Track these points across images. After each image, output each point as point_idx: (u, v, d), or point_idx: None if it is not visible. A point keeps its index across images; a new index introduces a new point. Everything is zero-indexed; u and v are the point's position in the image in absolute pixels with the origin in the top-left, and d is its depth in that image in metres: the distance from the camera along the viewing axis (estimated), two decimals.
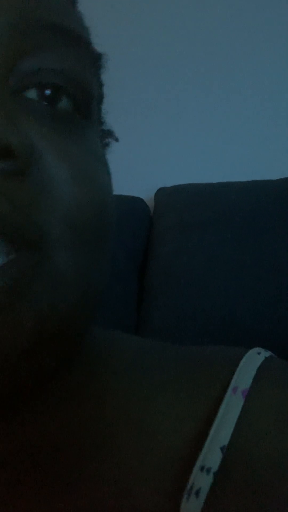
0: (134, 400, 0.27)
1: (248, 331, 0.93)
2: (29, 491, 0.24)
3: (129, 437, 0.25)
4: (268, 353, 0.29)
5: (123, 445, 0.25)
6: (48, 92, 0.24)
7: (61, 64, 0.24)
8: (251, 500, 0.23)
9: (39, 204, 0.21)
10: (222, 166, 1.19)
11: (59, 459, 0.25)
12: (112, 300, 0.99)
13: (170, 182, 1.10)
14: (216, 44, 1.21)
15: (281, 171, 1.08)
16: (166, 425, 0.25)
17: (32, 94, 0.24)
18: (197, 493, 0.23)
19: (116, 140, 0.33)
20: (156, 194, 1.11)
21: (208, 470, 0.23)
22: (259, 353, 0.28)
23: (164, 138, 1.21)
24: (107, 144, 0.33)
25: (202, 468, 0.23)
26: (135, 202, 1.10)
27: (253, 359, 0.27)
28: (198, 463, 0.24)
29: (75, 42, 0.25)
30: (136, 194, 1.11)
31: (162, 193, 1.10)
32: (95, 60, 0.28)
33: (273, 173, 1.06)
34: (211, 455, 0.24)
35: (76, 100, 0.25)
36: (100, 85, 0.30)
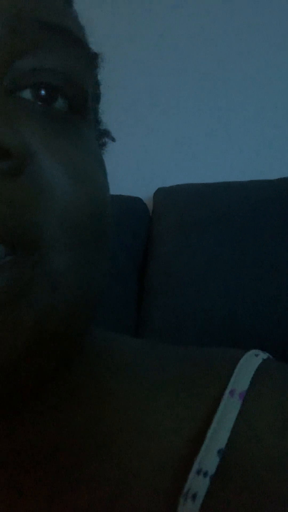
0: (134, 401, 0.27)
1: (248, 331, 0.93)
2: (29, 491, 0.24)
3: (129, 437, 0.25)
4: (266, 355, 0.29)
5: (122, 446, 0.25)
6: (43, 92, 0.24)
7: (56, 64, 0.24)
8: (249, 503, 0.23)
9: (36, 204, 0.21)
10: (221, 166, 1.19)
11: (59, 459, 0.25)
12: (112, 300, 0.99)
13: (169, 182, 1.10)
14: (216, 44, 1.21)
15: (281, 171, 1.08)
16: (166, 426, 0.25)
17: (27, 94, 0.24)
18: (194, 497, 0.23)
19: (113, 140, 0.33)
20: (155, 194, 1.11)
21: (205, 474, 0.23)
22: (256, 355, 0.28)
23: (163, 138, 1.21)
24: (104, 144, 0.33)
25: (198, 472, 0.23)
26: (134, 202, 1.10)
27: (250, 361, 0.27)
28: (195, 467, 0.23)
29: (71, 41, 0.25)
30: (135, 194, 1.11)
31: (161, 193, 1.10)
32: (91, 60, 0.28)
33: (272, 173, 1.06)
34: (208, 459, 0.24)
35: (71, 100, 0.25)
36: (97, 84, 0.30)
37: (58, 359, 0.24)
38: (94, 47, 0.29)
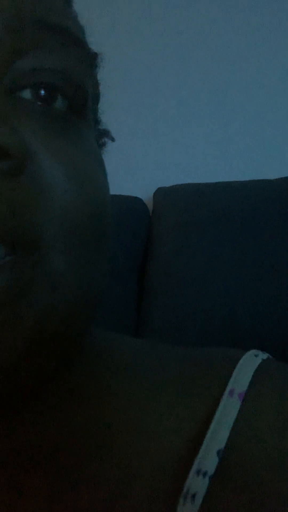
0: (134, 401, 0.27)
1: (248, 331, 0.93)
2: (29, 491, 0.24)
3: (129, 437, 0.25)
4: (265, 355, 0.28)
5: (122, 446, 0.25)
6: (43, 92, 0.24)
7: (56, 64, 0.24)
8: (249, 503, 0.23)
9: (36, 204, 0.21)
10: (221, 166, 1.19)
11: (59, 459, 0.25)
12: (112, 300, 0.99)
13: (168, 182, 1.10)
14: (216, 44, 1.21)
15: (280, 171, 1.08)
16: (166, 426, 0.25)
17: (27, 94, 0.24)
18: (193, 498, 0.23)
19: (112, 140, 0.33)
20: (154, 194, 1.11)
21: (204, 474, 0.23)
22: (256, 355, 0.28)
23: (163, 138, 1.21)
24: (103, 144, 0.33)
25: (198, 472, 0.23)
26: (134, 202, 1.10)
27: (250, 361, 0.27)
28: (195, 467, 0.23)
29: (71, 41, 0.25)
30: (134, 194, 1.11)
31: (161, 193, 1.10)
32: (91, 60, 0.28)
33: (272, 173, 1.06)
34: (207, 459, 0.24)
35: (71, 100, 0.25)
36: (96, 84, 0.30)
37: (58, 359, 0.24)
38: (94, 47, 0.29)
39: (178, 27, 1.21)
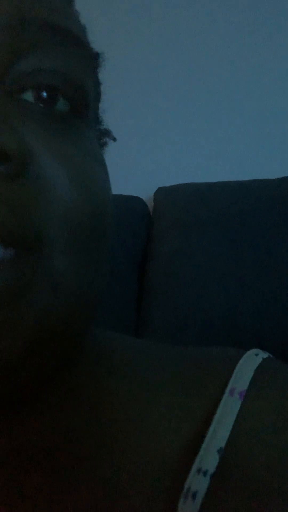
0: (133, 401, 0.27)
1: (248, 331, 0.93)
2: (29, 492, 0.24)
3: (128, 437, 0.25)
4: (266, 355, 0.29)
5: (122, 446, 0.25)
6: (44, 94, 0.24)
7: (57, 65, 0.24)
8: (249, 502, 0.23)
9: (36, 206, 0.21)
10: (221, 166, 1.19)
11: (59, 459, 0.25)
12: (112, 299, 0.99)
13: (169, 182, 1.10)
14: (217, 44, 1.21)
15: (280, 171, 1.08)
16: (165, 426, 0.25)
17: (28, 96, 0.24)
18: (194, 496, 0.23)
19: (114, 139, 0.33)
20: (155, 193, 1.11)
21: (205, 473, 0.23)
22: (256, 355, 0.28)
23: (163, 137, 1.21)
24: (104, 144, 0.33)
25: (198, 471, 0.23)
26: (134, 202, 1.10)
27: (251, 361, 0.27)
28: (195, 466, 0.23)
29: (72, 42, 0.25)
30: (135, 194, 1.11)
31: (161, 193, 1.10)
32: (92, 60, 0.27)
33: (272, 173, 1.06)
34: (208, 458, 0.24)
35: (73, 101, 0.25)
36: (97, 84, 0.30)
37: (58, 359, 0.24)
38: (95, 46, 0.29)
39: (179, 27, 1.21)
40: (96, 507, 0.23)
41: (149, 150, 1.21)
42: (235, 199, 1.01)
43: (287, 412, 0.25)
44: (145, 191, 1.14)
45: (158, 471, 0.24)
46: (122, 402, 0.27)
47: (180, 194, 1.06)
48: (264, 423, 0.25)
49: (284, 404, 0.25)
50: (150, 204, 1.12)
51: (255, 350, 0.29)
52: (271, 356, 0.29)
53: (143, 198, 1.12)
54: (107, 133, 0.33)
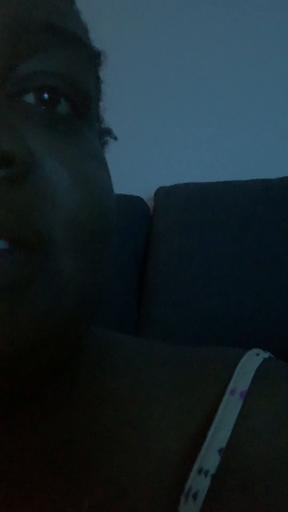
0: (134, 401, 0.27)
1: (248, 330, 0.93)
2: (30, 493, 0.24)
3: (129, 438, 0.25)
4: (267, 354, 0.28)
5: (122, 446, 0.25)
6: (46, 95, 0.24)
7: (59, 66, 0.24)
8: (250, 502, 0.23)
9: (39, 210, 0.21)
10: (222, 165, 1.19)
11: (59, 460, 0.25)
12: (112, 298, 0.99)
13: (169, 181, 1.10)
14: (217, 44, 1.21)
15: (281, 170, 1.08)
16: (166, 426, 0.25)
17: (29, 98, 0.23)
18: (195, 496, 0.23)
19: (115, 138, 0.33)
20: (155, 193, 1.11)
21: (206, 473, 0.23)
22: (257, 354, 0.28)
23: (163, 137, 1.21)
24: (105, 143, 0.33)
25: (199, 471, 0.23)
26: (135, 201, 1.10)
27: (251, 360, 0.27)
28: (196, 466, 0.23)
29: (73, 42, 0.24)
30: (135, 193, 1.11)
31: (162, 192, 1.10)
32: (93, 59, 0.27)
33: (272, 173, 1.06)
34: (209, 458, 0.23)
35: (74, 102, 0.25)
36: (99, 83, 0.30)
37: (58, 360, 0.24)
38: (96, 44, 0.28)
39: (179, 27, 1.21)
40: (97, 507, 0.23)
41: (149, 150, 1.21)
42: (235, 199, 1.01)
43: None
44: (145, 191, 1.14)
45: (159, 471, 0.24)
46: (122, 402, 0.26)
47: (180, 194, 1.06)
48: (265, 423, 0.25)
49: (285, 404, 0.25)
50: (150, 204, 1.12)
51: (256, 350, 0.28)
52: (272, 356, 0.29)
53: (143, 197, 1.12)
54: (107, 132, 0.33)
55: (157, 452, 0.25)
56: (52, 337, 0.22)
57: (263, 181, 1.04)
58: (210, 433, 0.24)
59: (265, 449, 0.24)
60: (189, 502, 0.23)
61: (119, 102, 1.16)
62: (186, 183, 1.08)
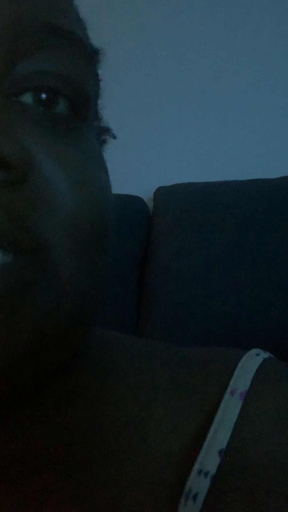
0: (134, 401, 0.26)
1: (247, 330, 0.93)
2: (31, 494, 0.24)
3: (129, 438, 0.25)
4: (267, 355, 0.28)
5: (122, 447, 0.25)
6: (44, 96, 0.23)
7: (57, 66, 0.24)
8: (251, 503, 0.22)
9: (37, 213, 0.21)
10: (221, 165, 1.19)
11: (59, 461, 0.25)
12: (112, 298, 0.99)
13: (169, 181, 1.11)
14: (215, 44, 1.21)
15: (280, 170, 1.08)
16: (166, 427, 0.25)
17: (27, 98, 0.23)
18: (195, 498, 0.22)
19: (114, 137, 0.33)
20: (155, 193, 1.11)
21: (206, 474, 0.23)
22: (257, 355, 0.28)
23: (163, 137, 1.21)
24: (104, 141, 0.33)
25: (199, 472, 0.23)
26: (134, 201, 1.10)
27: (251, 361, 0.27)
28: (196, 467, 0.23)
29: (72, 42, 0.24)
30: (135, 193, 1.11)
31: (161, 192, 1.10)
32: (92, 57, 0.27)
33: (272, 172, 1.06)
34: (209, 459, 0.23)
35: (73, 102, 0.24)
36: (97, 81, 0.30)
37: (58, 362, 0.24)
38: (95, 41, 0.28)
39: (179, 27, 1.21)
40: (97, 508, 0.23)
41: (149, 150, 1.21)
42: (235, 198, 1.01)
43: None
44: (145, 191, 1.14)
45: (159, 472, 0.24)
46: (123, 402, 0.26)
47: (180, 194, 1.06)
48: (265, 424, 0.24)
49: (285, 405, 0.25)
50: (150, 204, 1.12)
51: (256, 350, 0.28)
52: (272, 356, 0.29)
53: (143, 197, 1.12)
54: (106, 130, 0.33)
55: (157, 453, 0.24)
56: (53, 338, 0.22)
57: (263, 181, 1.04)
58: (210, 434, 0.24)
59: (265, 450, 0.24)
60: (189, 503, 0.22)
61: (118, 102, 1.16)
62: (186, 183, 1.09)
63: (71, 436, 0.25)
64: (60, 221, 0.22)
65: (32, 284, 0.21)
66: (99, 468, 0.24)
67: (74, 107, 0.25)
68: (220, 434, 0.24)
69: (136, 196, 1.11)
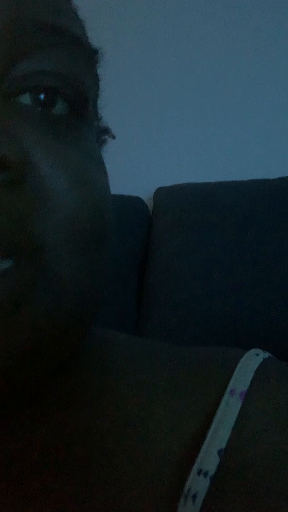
0: (134, 401, 0.26)
1: (247, 330, 0.93)
2: (31, 495, 0.24)
3: (129, 438, 0.25)
4: (266, 354, 0.28)
5: (122, 447, 0.25)
6: (42, 96, 0.23)
7: (56, 66, 0.23)
8: (250, 503, 0.22)
9: (36, 214, 0.21)
10: (221, 166, 1.19)
11: (59, 462, 0.25)
12: (112, 299, 0.99)
13: (168, 182, 1.11)
14: (217, 43, 1.21)
15: (280, 170, 1.08)
16: (166, 426, 0.25)
17: (26, 98, 0.23)
18: (194, 498, 0.22)
19: (113, 137, 0.33)
20: (155, 193, 1.11)
21: (205, 474, 0.23)
22: (257, 355, 0.28)
23: (163, 137, 1.21)
24: (103, 141, 0.33)
25: (199, 472, 0.23)
26: (134, 202, 1.10)
27: (251, 361, 0.27)
28: (195, 467, 0.23)
29: (71, 42, 0.24)
30: (134, 194, 1.11)
31: (161, 193, 1.10)
32: (91, 57, 0.27)
33: (272, 172, 1.06)
34: (208, 459, 0.23)
35: (72, 102, 0.24)
36: (96, 81, 0.30)
37: (58, 361, 0.24)
38: (94, 42, 0.28)
39: (179, 27, 1.21)
40: (97, 507, 0.23)
41: (148, 150, 1.21)
42: (235, 199, 1.01)
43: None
44: (145, 191, 1.14)
45: (159, 471, 0.24)
46: (122, 402, 0.26)
47: (180, 194, 1.06)
48: (265, 423, 0.24)
49: (285, 405, 0.25)
50: (150, 204, 1.12)
51: (255, 350, 0.28)
52: (272, 356, 0.29)
53: (143, 198, 1.12)
54: (106, 130, 0.33)
55: (157, 453, 0.24)
56: (53, 338, 0.22)
57: (263, 181, 1.05)
58: (209, 434, 0.24)
59: (265, 449, 0.24)
60: (188, 503, 0.22)
61: (118, 102, 1.16)
62: (186, 184, 1.09)
63: (71, 436, 0.25)
64: (60, 221, 0.22)
65: (32, 284, 0.21)
66: (99, 468, 0.24)
67: (73, 107, 0.25)
68: (219, 434, 0.24)
69: (136, 196, 1.11)
